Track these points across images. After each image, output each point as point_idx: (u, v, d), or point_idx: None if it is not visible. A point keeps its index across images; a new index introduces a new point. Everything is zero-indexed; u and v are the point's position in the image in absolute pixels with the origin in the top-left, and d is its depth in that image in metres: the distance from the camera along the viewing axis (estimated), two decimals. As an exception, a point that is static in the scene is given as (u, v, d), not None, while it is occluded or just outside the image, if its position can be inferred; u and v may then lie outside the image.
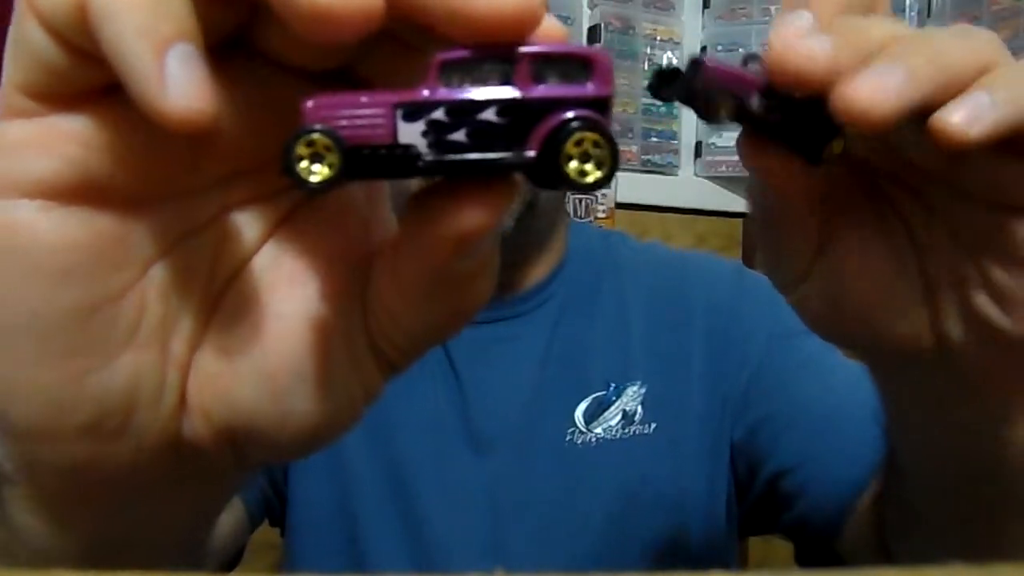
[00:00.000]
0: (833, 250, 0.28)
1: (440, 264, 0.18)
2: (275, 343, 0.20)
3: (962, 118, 0.21)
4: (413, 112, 0.16)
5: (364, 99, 0.17)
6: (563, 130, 0.17)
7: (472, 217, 0.17)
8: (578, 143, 0.17)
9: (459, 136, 0.17)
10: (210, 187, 0.19)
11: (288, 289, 0.20)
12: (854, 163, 0.28)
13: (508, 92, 0.17)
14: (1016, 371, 0.27)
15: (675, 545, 0.59)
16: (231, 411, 0.19)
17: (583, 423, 0.61)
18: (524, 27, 0.16)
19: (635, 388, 0.61)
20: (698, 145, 1.52)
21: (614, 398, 0.61)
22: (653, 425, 0.61)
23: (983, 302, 0.25)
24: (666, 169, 1.52)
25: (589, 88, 0.17)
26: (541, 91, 0.17)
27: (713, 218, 1.54)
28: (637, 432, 0.60)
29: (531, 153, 0.17)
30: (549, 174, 0.17)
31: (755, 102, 0.23)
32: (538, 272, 0.66)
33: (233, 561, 0.63)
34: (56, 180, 0.17)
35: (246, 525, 0.61)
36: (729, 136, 1.44)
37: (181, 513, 0.23)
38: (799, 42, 0.22)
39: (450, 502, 0.61)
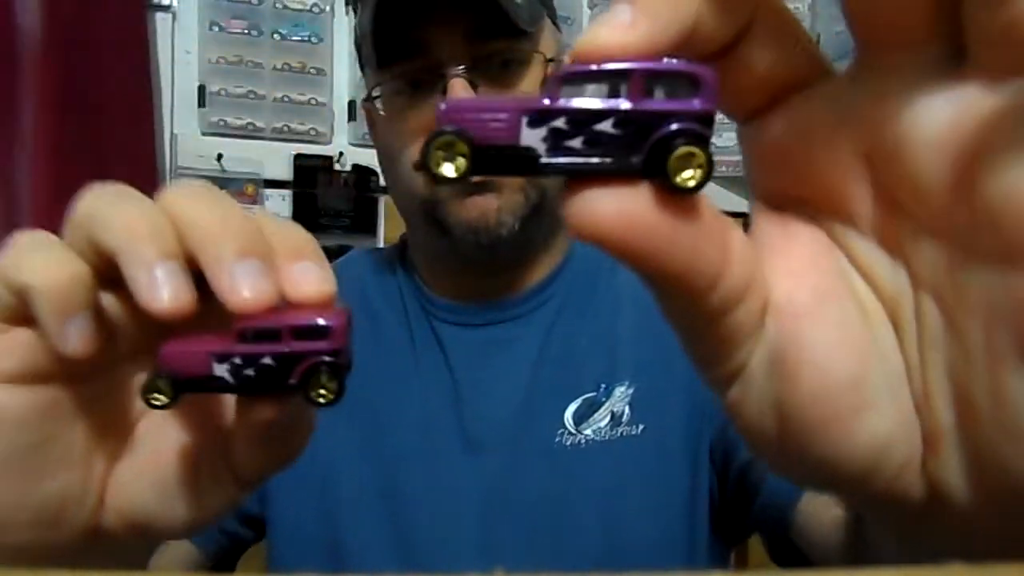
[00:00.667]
0: (782, 338, 0.19)
1: (258, 431, 0.27)
2: (163, 465, 0.29)
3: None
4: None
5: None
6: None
7: (261, 414, 0.26)
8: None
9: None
10: (119, 363, 0.29)
11: (174, 429, 0.30)
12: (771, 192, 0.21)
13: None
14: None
15: (661, 546, 0.60)
16: (134, 509, 0.29)
17: (573, 424, 0.61)
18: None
19: (623, 389, 0.62)
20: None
21: (604, 399, 0.62)
22: (641, 426, 0.61)
23: (994, 437, 0.17)
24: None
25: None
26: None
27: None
28: (625, 433, 0.61)
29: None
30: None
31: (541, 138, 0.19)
32: (538, 274, 0.67)
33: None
34: (14, 371, 0.26)
35: (202, 560, 0.64)
36: (728, 136, 1.44)
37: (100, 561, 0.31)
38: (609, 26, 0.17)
39: (440, 501, 0.61)
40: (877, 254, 0.20)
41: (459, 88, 0.57)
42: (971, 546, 0.19)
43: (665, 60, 0.18)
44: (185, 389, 0.26)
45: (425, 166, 0.19)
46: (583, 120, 0.18)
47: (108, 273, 0.26)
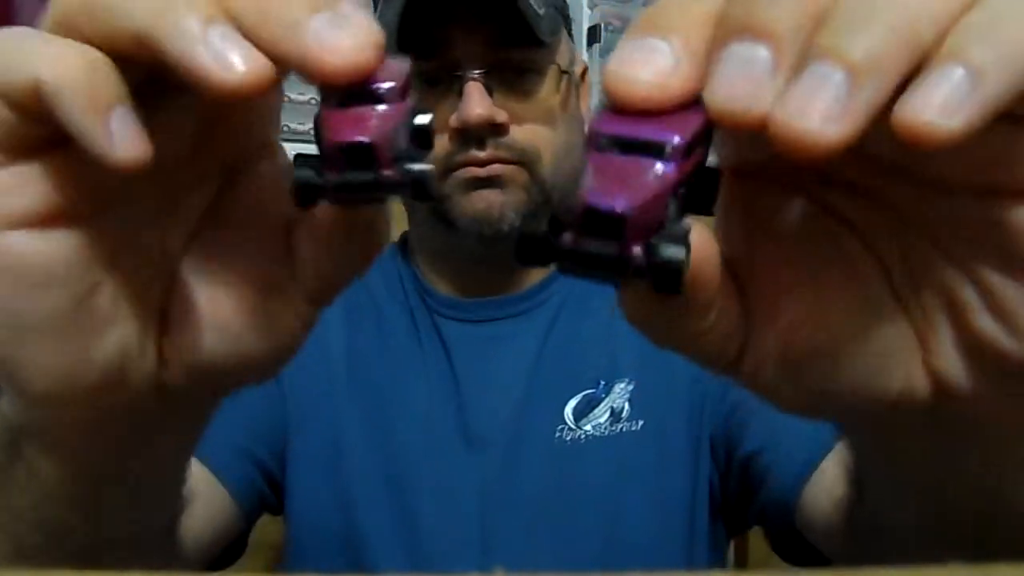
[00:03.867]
0: (769, 304, 0.22)
1: (328, 230, 0.23)
2: (222, 300, 0.25)
3: (935, 111, 0.16)
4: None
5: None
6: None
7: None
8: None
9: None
10: (147, 196, 0.24)
11: (226, 256, 0.25)
12: (767, 174, 0.22)
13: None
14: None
15: (661, 540, 0.60)
16: (197, 357, 0.25)
17: (573, 420, 0.62)
18: None
19: (623, 385, 0.62)
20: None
21: (603, 395, 0.62)
22: (641, 422, 0.61)
23: (986, 324, 0.20)
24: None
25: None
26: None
27: (713, 218, 1.53)
28: (625, 429, 0.61)
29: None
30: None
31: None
32: (540, 271, 0.67)
33: (234, 549, 0.64)
34: (30, 212, 0.21)
35: (236, 514, 0.61)
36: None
37: (168, 443, 0.29)
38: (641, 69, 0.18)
39: (442, 496, 0.61)
40: (858, 199, 0.22)
41: (475, 92, 0.58)
42: (979, 443, 0.23)
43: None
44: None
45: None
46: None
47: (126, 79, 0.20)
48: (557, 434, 0.62)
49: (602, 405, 0.62)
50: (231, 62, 0.19)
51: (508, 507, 0.61)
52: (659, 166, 0.18)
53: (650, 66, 0.18)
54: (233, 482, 0.60)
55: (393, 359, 0.66)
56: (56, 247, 0.22)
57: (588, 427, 0.62)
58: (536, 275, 0.67)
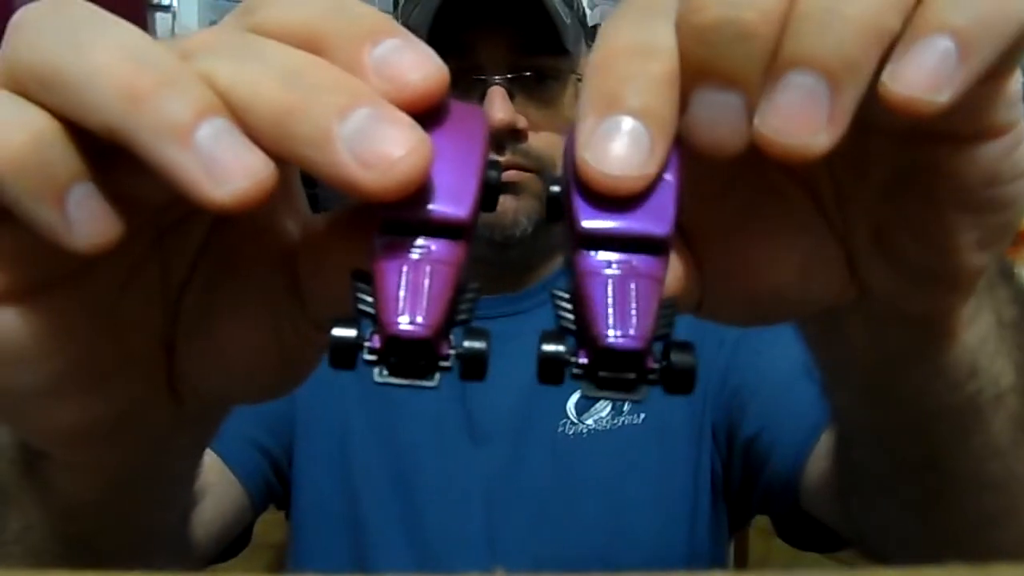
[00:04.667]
0: (720, 250, 0.23)
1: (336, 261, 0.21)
2: (230, 332, 0.23)
3: (925, 85, 0.16)
4: None
5: None
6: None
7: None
8: None
9: None
10: (135, 244, 0.21)
11: (230, 287, 0.23)
12: None
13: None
14: (944, 302, 0.24)
15: (663, 532, 0.60)
16: (208, 389, 0.24)
17: (575, 414, 0.62)
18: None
19: None
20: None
21: None
22: (642, 415, 0.62)
23: (904, 243, 0.22)
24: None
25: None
26: None
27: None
28: (626, 422, 0.62)
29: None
30: None
31: None
32: (546, 271, 0.68)
33: (240, 540, 0.64)
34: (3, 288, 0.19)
35: (246, 503, 0.62)
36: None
37: (182, 448, 0.28)
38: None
39: (448, 492, 0.62)
40: None
41: (498, 97, 0.59)
42: (912, 334, 0.25)
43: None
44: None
45: None
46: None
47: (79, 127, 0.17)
48: (560, 429, 0.62)
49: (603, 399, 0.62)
50: (225, 173, 0.16)
51: (513, 501, 0.61)
52: (655, 267, 0.18)
53: (628, 157, 0.17)
54: (244, 471, 0.61)
55: None
56: (31, 320, 0.19)
57: (590, 421, 0.62)
58: (541, 274, 0.68)
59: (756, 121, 0.17)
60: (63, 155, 0.17)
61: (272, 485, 0.65)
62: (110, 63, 0.16)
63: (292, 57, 0.17)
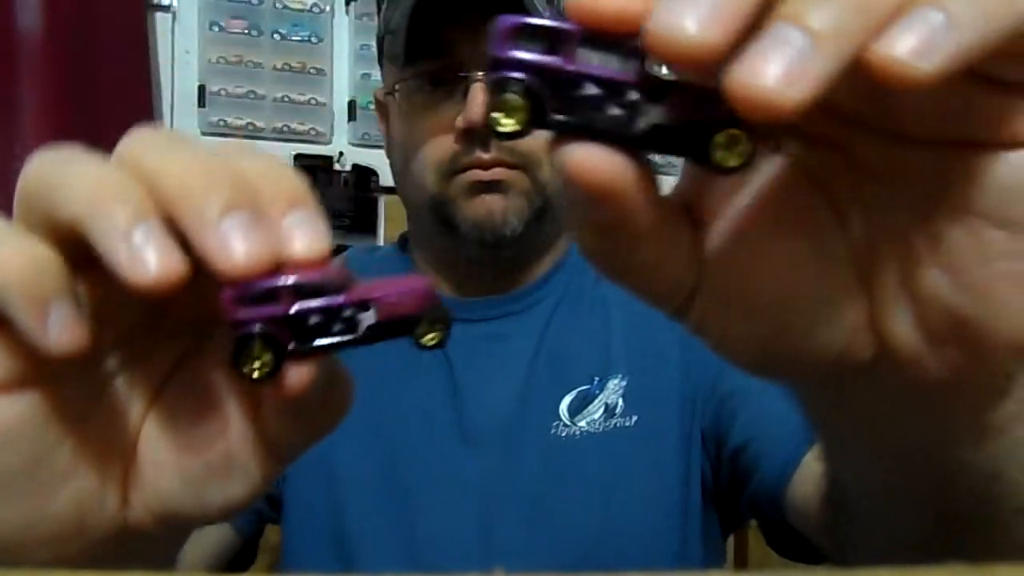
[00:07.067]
0: (724, 248, 0.22)
1: (293, 400, 0.24)
2: (188, 451, 0.26)
3: (911, 50, 0.16)
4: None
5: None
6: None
7: (295, 380, 0.23)
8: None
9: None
10: (112, 351, 0.26)
11: (194, 408, 0.26)
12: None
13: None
14: (971, 375, 0.21)
15: (655, 533, 0.60)
16: (164, 503, 0.26)
17: (567, 416, 0.62)
18: None
19: (616, 381, 0.62)
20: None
21: (597, 392, 0.62)
22: (634, 418, 0.61)
23: (934, 277, 0.20)
24: (665, 168, 1.52)
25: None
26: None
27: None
28: (619, 425, 0.61)
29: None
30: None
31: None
32: (538, 271, 0.68)
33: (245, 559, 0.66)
34: None
35: (233, 540, 0.64)
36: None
37: (137, 561, 0.29)
38: None
39: (441, 494, 0.62)
40: (816, 149, 0.22)
41: (480, 93, 0.59)
42: (924, 409, 0.23)
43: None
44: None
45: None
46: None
47: (77, 253, 0.22)
48: (552, 430, 0.62)
49: (596, 401, 0.62)
50: (145, 263, 0.20)
51: (506, 503, 0.61)
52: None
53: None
54: (240, 523, 0.64)
55: (389, 361, 0.66)
56: (11, 412, 0.23)
57: (583, 423, 0.62)
58: (535, 274, 0.68)
59: (733, 69, 0.17)
60: (52, 276, 0.21)
61: (262, 513, 0.66)
62: (83, 178, 0.22)
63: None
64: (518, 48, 0.19)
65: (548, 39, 0.19)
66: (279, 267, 0.22)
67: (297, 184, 0.24)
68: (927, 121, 0.20)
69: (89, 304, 0.23)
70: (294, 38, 1.76)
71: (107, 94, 1.53)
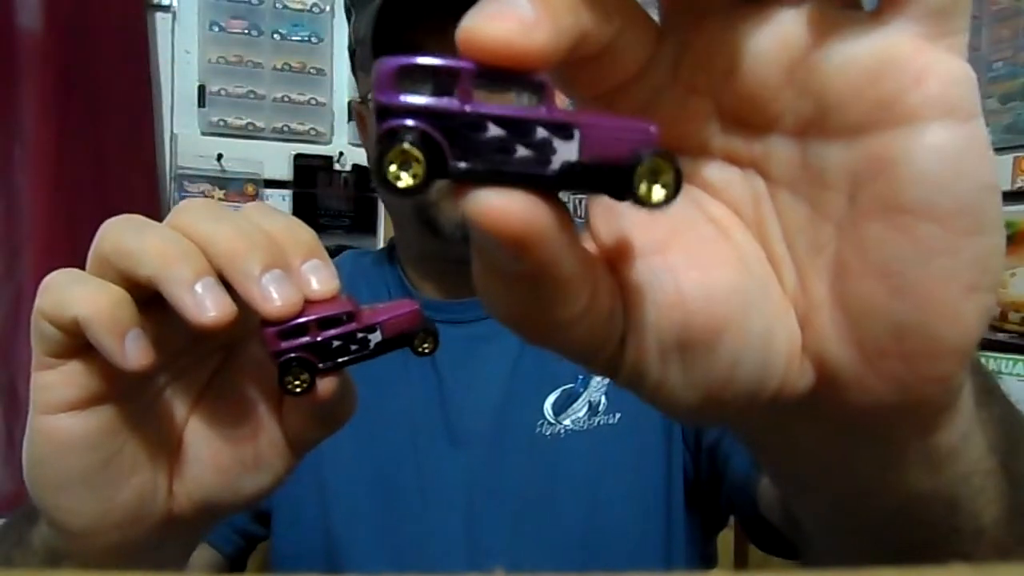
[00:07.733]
0: (647, 285, 0.20)
1: (312, 405, 0.31)
2: (222, 449, 0.33)
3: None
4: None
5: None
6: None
7: (320, 389, 0.31)
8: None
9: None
10: (161, 374, 0.33)
11: (226, 414, 0.33)
12: None
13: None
14: (917, 391, 0.19)
15: (640, 529, 0.60)
16: (200, 494, 0.33)
17: (552, 415, 0.62)
18: None
19: (600, 379, 0.62)
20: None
21: (581, 390, 0.63)
22: (617, 415, 0.62)
23: (867, 286, 0.19)
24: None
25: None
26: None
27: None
28: (602, 423, 0.61)
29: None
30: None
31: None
32: None
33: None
34: (72, 399, 0.30)
35: (222, 563, 0.66)
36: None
37: (173, 550, 0.36)
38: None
39: (428, 493, 0.62)
40: (728, 172, 0.22)
41: None
42: (869, 439, 0.21)
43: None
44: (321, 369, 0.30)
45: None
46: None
47: (139, 297, 0.29)
48: (537, 429, 0.62)
49: (580, 399, 0.62)
50: (207, 308, 0.27)
51: (492, 502, 0.61)
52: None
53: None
54: (221, 544, 0.65)
55: (376, 363, 0.65)
56: (90, 423, 0.30)
57: (567, 421, 0.62)
58: None
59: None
60: (126, 312, 0.28)
61: (250, 534, 0.68)
62: (154, 243, 0.28)
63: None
64: (407, 92, 0.17)
65: (440, 79, 0.17)
66: (303, 304, 0.29)
67: (310, 237, 0.31)
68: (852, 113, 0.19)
69: (150, 334, 0.29)
70: (294, 38, 1.76)
71: (107, 94, 1.53)
